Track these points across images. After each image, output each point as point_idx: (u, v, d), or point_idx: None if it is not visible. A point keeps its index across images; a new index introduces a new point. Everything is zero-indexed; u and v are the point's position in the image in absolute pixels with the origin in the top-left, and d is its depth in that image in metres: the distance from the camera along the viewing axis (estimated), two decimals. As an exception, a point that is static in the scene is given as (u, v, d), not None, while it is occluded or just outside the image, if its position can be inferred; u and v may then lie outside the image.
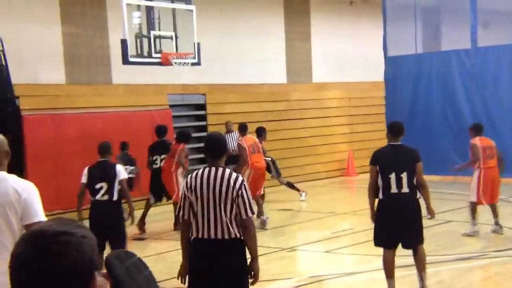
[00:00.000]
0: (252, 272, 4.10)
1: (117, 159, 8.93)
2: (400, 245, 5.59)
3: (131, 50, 9.27)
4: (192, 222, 4.06)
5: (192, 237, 4.10)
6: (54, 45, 10.72)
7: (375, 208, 5.62)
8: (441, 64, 13.37)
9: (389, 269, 5.57)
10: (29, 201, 3.03)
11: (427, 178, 5.63)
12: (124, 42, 9.12)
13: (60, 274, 1.25)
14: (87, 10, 11.17)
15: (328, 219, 10.12)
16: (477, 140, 8.21)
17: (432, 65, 13.51)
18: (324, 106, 15.24)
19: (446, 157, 12.39)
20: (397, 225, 5.45)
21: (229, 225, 3.98)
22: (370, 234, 8.47)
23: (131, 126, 11.11)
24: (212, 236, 4.00)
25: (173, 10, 9.91)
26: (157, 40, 9.71)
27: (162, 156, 9.24)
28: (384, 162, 5.49)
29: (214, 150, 4.14)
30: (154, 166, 9.31)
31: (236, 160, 9.35)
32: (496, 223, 8.21)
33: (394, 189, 5.41)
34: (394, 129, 5.62)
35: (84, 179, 6.50)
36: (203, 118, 13.01)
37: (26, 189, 3.06)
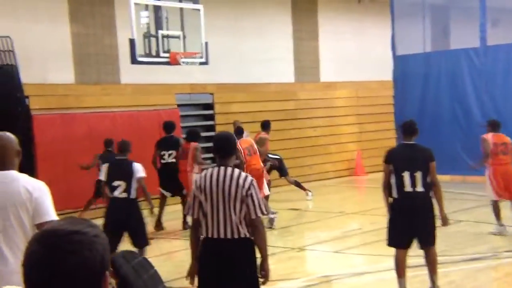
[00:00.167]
0: (263, 272, 4.09)
1: (97, 159, 9.11)
2: (412, 245, 5.57)
3: (139, 50, 9.30)
4: (202, 221, 4.05)
5: (202, 237, 4.09)
6: (63, 45, 10.77)
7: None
8: (450, 63, 13.30)
9: (400, 269, 5.55)
10: (41, 200, 3.03)
11: (436, 177, 5.60)
12: (132, 42, 9.14)
13: (72, 273, 1.26)
14: (96, 9, 11.21)
15: (337, 219, 10.09)
16: (489, 136, 8.20)
17: (441, 64, 13.43)
18: (332, 105, 15.21)
19: (455, 156, 12.32)
20: (411, 224, 5.45)
21: (239, 224, 3.97)
22: (380, 234, 8.44)
23: (139, 125, 11.15)
24: (222, 235, 3.99)
25: (181, 9, 9.92)
26: (165, 39, 9.72)
27: (170, 152, 9.28)
28: (397, 160, 5.50)
29: (224, 149, 4.14)
30: (162, 161, 9.37)
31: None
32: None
33: (408, 188, 5.41)
34: (407, 128, 5.62)
35: (103, 176, 6.61)
36: (211, 117, 13.02)
37: (38, 188, 3.07)
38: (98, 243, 1.30)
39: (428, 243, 5.51)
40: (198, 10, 9.91)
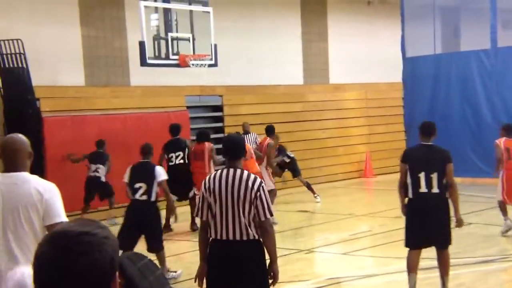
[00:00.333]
0: (271, 274, 4.09)
1: (84, 157, 9.58)
2: (425, 247, 5.56)
3: (149, 52, 9.34)
4: (211, 223, 4.06)
5: (211, 238, 4.10)
6: (73, 47, 10.84)
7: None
8: (460, 65, 13.22)
9: (411, 266, 5.56)
10: (51, 201, 3.06)
11: (446, 179, 5.58)
12: (142, 44, 9.18)
13: (82, 274, 1.26)
14: (106, 12, 11.28)
15: (346, 221, 10.06)
16: (501, 141, 8.23)
17: (451, 66, 13.36)
18: (342, 107, 15.17)
19: (465, 158, 12.24)
20: (425, 225, 5.44)
21: (248, 226, 3.97)
22: (389, 236, 8.43)
23: (149, 127, 11.18)
24: (231, 237, 4.00)
25: (190, 12, 9.96)
26: (175, 42, 9.76)
27: (178, 153, 9.31)
28: (414, 161, 5.51)
29: (233, 151, 4.15)
30: (170, 163, 9.39)
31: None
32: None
33: (423, 189, 5.41)
34: (426, 129, 5.62)
35: (126, 178, 6.65)
36: (220, 119, 13.04)
37: (48, 190, 3.09)
38: (108, 244, 1.30)
39: (442, 245, 5.48)
40: (208, 12, 9.94)
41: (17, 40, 9.53)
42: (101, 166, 9.76)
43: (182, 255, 7.83)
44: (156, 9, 9.71)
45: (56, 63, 10.62)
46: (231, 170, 4.05)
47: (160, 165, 9.40)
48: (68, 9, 10.83)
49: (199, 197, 4.18)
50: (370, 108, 15.73)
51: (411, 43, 13.82)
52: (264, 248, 4.06)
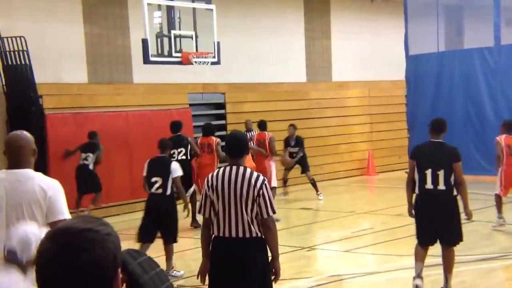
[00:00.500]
0: (273, 270, 4.11)
1: (78, 148, 9.69)
2: (432, 244, 5.59)
3: (152, 50, 9.35)
4: (213, 220, 4.08)
5: (213, 236, 4.12)
6: (76, 45, 10.86)
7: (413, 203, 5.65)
8: (463, 62, 13.19)
9: (418, 256, 5.61)
10: (55, 199, 3.08)
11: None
12: (145, 42, 9.19)
13: (84, 271, 1.27)
14: (109, 10, 11.29)
15: (348, 218, 10.07)
16: (502, 138, 8.26)
17: (454, 63, 13.33)
18: (344, 105, 15.16)
19: (468, 156, 12.18)
20: (431, 222, 5.47)
21: (250, 223, 3.99)
22: (390, 234, 8.44)
23: (151, 124, 11.20)
24: (233, 234, 4.01)
25: (193, 9, 9.96)
26: (178, 39, 9.77)
27: (180, 149, 9.36)
28: (422, 157, 5.53)
29: (236, 149, 4.16)
30: (172, 159, 9.44)
31: None
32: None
33: (429, 185, 5.43)
34: (436, 126, 5.65)
35: (144, 172, 6.86)
36: (222, 117, 13.05)
37: (52, 187, 3.11)
38: (110, 241, 1.31)
39: (446, 242, 5.50)
40: (211, 10, 9.94)
41: (20, 37, 9.55)
42: (90, 154, 9.79)
43: (184, 253, 7.85)
44: (159, 7, 9.71)
45: (59, 61, 10.64)
46: (234, 168, 4.06)
47: None
48: (71, 6, 10.84)
49: (202, 194, 4.20)
50: (372, 106, 15.72)
51: (414, 41, 13.79)
52: (266, 245, 4.07)
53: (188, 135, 9.88)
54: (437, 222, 5.43)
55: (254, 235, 4.00)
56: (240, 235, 3.99)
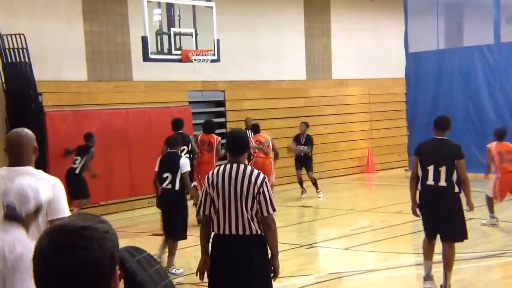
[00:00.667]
0: (273, 268, 4.11)
1: (73, 150, 9.64)
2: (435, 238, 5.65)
3: (152, 47, 9.35)
4: (213, 218, 4.08)
5: (213, 233, 4.12)
6: (76, 42, 10.85)
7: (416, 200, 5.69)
8: (463, 60, 13.19)
9: (426, 253, 5.67)
10: (55, 196, 3.08)
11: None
12: (144, 39, 9.19)
13: (82, 268, 1.26)
14: (109, 8, 11.28)
15: (347, 216, 10.08)
16: (493, 145, 8.31)
17: (454, 61, 13.33)
18: (344, 102, 15.16)
19: (468, 154, 12.14)
20: (433, 217, 5.53)
21: (250, 221, 3.99)
22: (390, 232, 8.45)
23: (151, 122, 11.21)
24: (233, 232, 4.02)
25: (193, 7, 9.95)
26: (177, 37, 9.76)
27: (182, 148, 9.34)
28: (425, 154, 5.58)
29: (237, 146, 4.17)
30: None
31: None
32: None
33: (430, 181, 5.48)
34: (440, 123, 5.68)
35: (156, 168, 7.04)
36: (222, 114, 13.05)
37: (53, 185, 3.11)
38: (108, 239, 1.31)
39: (450, 239, 5.52)
40: (211, 7, 9.93)
41: (20, 34, 9.54)
42: (79, 158, 9.52)
43: (184, 250, 7.86)
44: (158, 4, 9.71)
45: (59, 58, 10.64)
46: (235, 165, 4.07)
47: None
48: (71, 4, 10.83)
49: (202, 192, 4.20)
50: (372, 103, 15.72)
51: (414, 39, 13.79)
52: (266, 243, 4.08)
53: (188, 133, 9.88)
54: (437, 218, 5.48)
55: (254, 232, 4.00)
56: (240, 232, 4.00)
